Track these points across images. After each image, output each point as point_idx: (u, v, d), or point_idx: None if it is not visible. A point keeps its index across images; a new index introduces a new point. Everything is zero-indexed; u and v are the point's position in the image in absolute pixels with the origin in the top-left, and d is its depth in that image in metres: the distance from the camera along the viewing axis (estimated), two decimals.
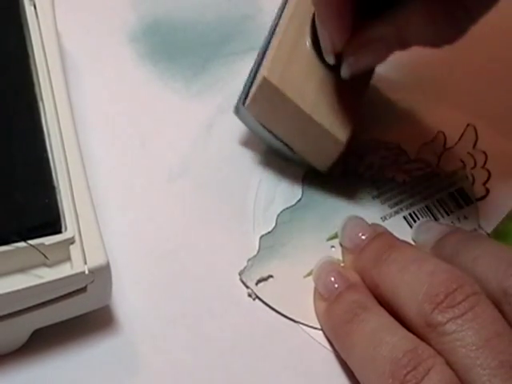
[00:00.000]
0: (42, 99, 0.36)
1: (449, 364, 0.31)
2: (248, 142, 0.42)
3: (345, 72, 0.37)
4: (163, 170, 0.41)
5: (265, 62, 0.38)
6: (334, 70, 0.38)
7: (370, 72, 0.40)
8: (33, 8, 0.39)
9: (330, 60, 0.37)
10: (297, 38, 0.38)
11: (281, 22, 0.39)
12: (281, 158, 0.42)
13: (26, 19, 0.38)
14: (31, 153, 0.34)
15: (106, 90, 0.43)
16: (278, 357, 0.36)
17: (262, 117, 0.39)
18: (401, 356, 0.31)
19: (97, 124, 0.41)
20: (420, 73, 0.45)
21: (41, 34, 0.38)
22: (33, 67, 0.37)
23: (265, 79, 0.37)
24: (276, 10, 0.41)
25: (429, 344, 0.32)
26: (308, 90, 0.38)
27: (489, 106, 0.45)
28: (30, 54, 0.37)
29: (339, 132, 0.38)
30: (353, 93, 0.39)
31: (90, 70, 0.43)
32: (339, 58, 0.37)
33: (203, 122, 0.43)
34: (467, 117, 0.44)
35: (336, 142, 0.38)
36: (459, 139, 0.43)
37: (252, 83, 0.39)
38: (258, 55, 0.40)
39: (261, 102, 0.39)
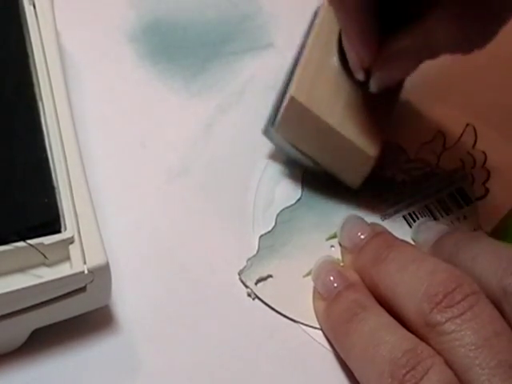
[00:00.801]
0: (41, 99, 0.36)
1: (448, 364, 0.31)
2: (248, 142, 0.42)
3: (374, 87, 0.37)
4: (163, 170, 0.41)
5: (292, 82, 0.38)
6: (361, 85, 0.38)
7: (398, 85, 0.40)
8: (32, 8, 0.39)
9: (360, 76, 0.37)
10: (323, 56, 0.38)
11: (308, 41, 0.39)
12: (281, 158, 0.42)
13: (25, 19, 0.38)
14: (31, 153, 0.34)
15: (106, 90, 0.43)
16: (277, 357, 0.36)
17: (291, 136, 0.40)
18: (400, 356, 0.31)
19: (97, 124, 0.41)
20: (420, 73, 0.45)
21: (40, 33, 0.38)
22: (32, 67, 0.37)
23: (292, 98, 0.37)
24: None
25: (428, 344, 0.32)
26: (336, 107, 0.38)
27: (489, 106, 0.45)
28: (30, 53, 0.37)
29: (369, 147, 0.38)
30: (382, 107, 0.39)
31: (89, 69, 0.43)
32: (368, 73, 0.37)
33: (203, 121, 0.43)
34: (467, 117, 0.44)
35: (366, 158, 0.38)
36: (459, 139, 0.43)
37: (281, 103, 0.39)
38: (286, 75, 0.40)
39: (290, 122, 0.39)
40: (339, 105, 0.38)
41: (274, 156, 0.41)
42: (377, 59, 0.36)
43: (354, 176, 0.40)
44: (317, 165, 0.40)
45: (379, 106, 0.39)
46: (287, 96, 0.38)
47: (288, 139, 0.40)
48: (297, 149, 0.40)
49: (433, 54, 0.35)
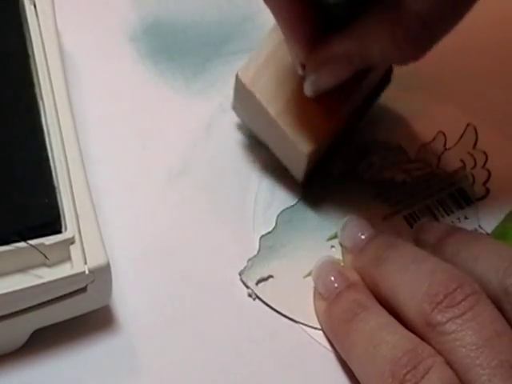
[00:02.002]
0: (41, 99, 0.36)
1: (448, 364, 0.31)
2: (248, 142, 0.42)
3: (307, 90, 0.36)
4: (163, 170, 0.41)
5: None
6: None
7: (352, 86, 0.38)
8: (33, 7, 0.39)
9: (299, 71, 0.36)
10: (278, 45, 0.38)
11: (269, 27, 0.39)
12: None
13: (26, 19, 0.38)
14: (31, 152, 0.34)
15: (106, 90, 0.43)
16: (278, 357, 0.36)
17: (244, 117, 0.40)
18: (400, 355, 0.31)
19: (97, 124, 0.41)
20: (420, 73, 0.45)
21: (41, 33, 0.38)
22: (33, 67, 0.37)
23: (237, 77, 0.37)
24: None
25: (428, 344, 0.32)
26: (279, 97, 0.37)
27: (489, 106, 0.45)
28: (30, 53, 0.37)
29: (303, 143, 0.37)
30: (329, 106, 0.38)
31: (89, 69, 0.43)
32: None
33: (203, 121, 0.43)
34: (467, 117, 0.44)
35: (299, 153, 0.37)
36: (459, 139, 0.43)
37: None
38: None
39: (240, 102, 0.39)
40: (283, 95, 0.37)
41: (274, 156, 0.41)
42: (310, 61, 0.35)
43: (295, 169, 0.39)
44: (269, 150, 0.40)
45: (327, 104, 0.37)
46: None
47: (243, 119, 0.40)
48: (252, 130, 0.40)
49: (366, 63, 0.34)
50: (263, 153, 0.42)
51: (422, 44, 0.32)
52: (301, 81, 0.37)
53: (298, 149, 0.37)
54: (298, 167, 0.39)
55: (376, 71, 0.39)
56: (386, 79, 0.42)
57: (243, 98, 0.38)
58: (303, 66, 0.36)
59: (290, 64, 0.37)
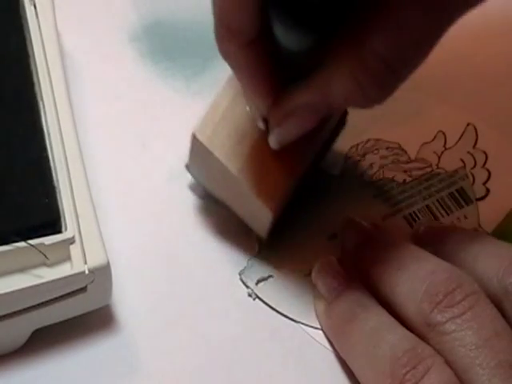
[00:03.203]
0: (42, 99, 0.36)
1: (448, 363, 0.31)
2: None
3: (273, 143, 0.35)
4: (163, 170, 0.41)
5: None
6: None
7: (312, 135, 0.35)
8: (33, 8, 0.39)
9: (260, 125, 0.35)
10: (235, 98, 0.37)
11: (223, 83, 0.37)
12: None
13: (26, 19, 0.38)
14: (31, 152, 0.34)
15: (106, 90, 0.43)
16: (277, 357, 0.36)
17: (200, 177, 0.39)
18: (400, 355, 0.31)
19: (97, 124, 0.41)
20: (420, 73, 0.45)
21: (41, 33, 0.38)
22: (33, 67, 0.37)
23: (194, 136, 0.36)
24: None
25: (428, 343, 0.32)
26: (239, 153, 0.36)
27: (489, 106, 0.45)
28: (30, 53, 0.37)
29: (266, 200, 0.36)
30: (290, 159, 0.36)
31: (90, 69, 0.43)
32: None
33: None
34: (467, 117, 0.44)
35: (263, 210, 0.36)
36: (459, 139, 0.43)
37: None
38: None
39: (196, 162, 0.38)
40: (243, 150, 0.36)
41: None
42: (273, 113, 0.34)
43: (258, 225, 0.38)
44: (228, 208, 0.39)
45: (289, 153, 0.36)
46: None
47: (198, 179, 0.39)
48: (207, 190, 0.39)
49: (331, 109, 0.33)
50: None
51: (386, 86, 0.32)
52: (260, 135, 0.36)
53: (261, 206, 0.36)
54: (262, 224, 0.38)
55: (333, 118, 0.38)
56: (341, 123, 0.40)
57: (200, 157, 0.37)
58: (264, 120, 0.35)
59: (247, 119, 0.36)
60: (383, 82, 0.31)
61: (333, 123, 0.39)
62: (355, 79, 0.31)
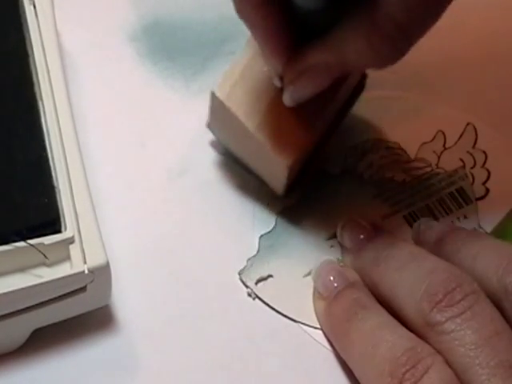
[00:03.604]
0: (41, 99, 0.36)
1: (448, 363, 0.31)
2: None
3: (287, 100, 0.36)
4: (163, 170, 0.41)
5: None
6: None
7: (331, 92, 0.37)
8: (32, 7, 0.39)
9: (277, 82, 0.36)
10: (254, 57, 0.38)
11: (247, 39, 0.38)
12: None
13: (25, 19, 0.38)
14: (31, 152, 0.34)
15: (106, 90, 0.43)
16: (277, 356, 0.36)
17: (220, 134, 0.40)
18: (400, 354, 0.31)
19: (96, 124, 0.41)
20: (420, 73, 0.45)
21: (40, 33, 0.38)
22: (32, 67, 0.37)
23: (213, 94, 0.37)
24: None
25: (428, 343, 0.32)
26: (256, 110, 0.37)
27: (489, 106, 0.45)
28: (30, 53, 0.37)
29: (283, 156, 0.37)
30: (307, 117, 0.37)
31: (89, 69, 0.43)
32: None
33: (203, 121, 0.42)
34: (467, 116, 0.44)
35: (279, 165, 0.37)
36: (459, 139, 0.43)
37: None
38: None
39: (216, 120, 0.39)
40: (261, 108, 0.37)
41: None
42: (288, 72, 0.35)
43: (276, 183, 0.39)
44: (245, 166, 0.40)
45: (306, 113, 0.37)
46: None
47: (219, 137, 0.40)
48: (227, 148, 0.40)
49: (344, 70, 0.34)
50: None
51: (398, 47, 0.32)
52: (278, 93, 0.37)
53: (278, 161, 0.37)
54: (278, 180, 0.39)
55: (351, 79, 0.39)
56: (360, 87, 0.41)
57: (220, 114, 0.38)
58: (281, 78, 0.35)
59: (265, 77, 0.37)
60: (396, 43, 0.32)
61: (350, 86, 0.40)
62: (368, 40, 0.32)
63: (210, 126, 0.40)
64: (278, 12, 0.33)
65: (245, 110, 0.37)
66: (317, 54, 0.34)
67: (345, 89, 0.39)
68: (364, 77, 0.41)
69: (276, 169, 0.38)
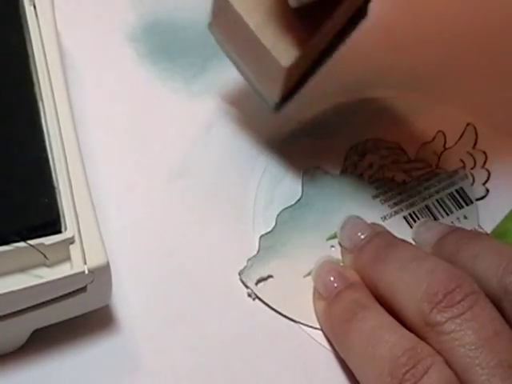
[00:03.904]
0: (41, 99, 0.36)
1: (448, 363, 0.31)
2: (248, 142, 0.42)
3: (291, 0, 0.35)
4: (163, 170, 0.41)
5: None
6: None
7: (332, 4, 0.37)
8: (32, 8, 0.39)
9: None
10: None
11: None
12: (281, 158, 0.42)
13: (25, 19, 0.38)
14: (31, 152, 0.34)
15: (106, 90, 0.43)
16: (277, 357, 0.36)
17: (219, 35, 0.39)
18: (400, 354, 0.31)
19: (96, 124, 0.41)
20: (420, 73, 0.45)
21: (40, 33, 0.38)
22: (32, 67, 0.37)
23: None
24: None
25: (428, 343, 0.32)
26: (258, 8, 0.37)
27: (489, 106, 0.45)
28: (30, 53, 0.37)
29: (282, 55, 0.36)
30: (310, 21, 0.37)
31: (89, 69, 0.43)
32: None
33: (203, 121, 0.43)
34: (467, 117, 0.44)
35: (278, 66, 0.37)
36: (459, 139, 0.43)
37: None
38: None
39: (218, 18, 0.38)
40: (264, 7, 0.37)
41: (274, 156, 0.42)
42: None
43: (271, 89, 0.39)
44: (241, 71, 0.39)
45: (309, 19, 0.37)
46: None
47: (218, 38, 0.40)
48: (226, 52, 0.40)
49: None
50: (263, 152, 0.42)
51: None
52: None
53: (276, 61, 0.37)
54: (274, 85, 0.38)
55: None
56: (362, 11, 0.41)
57: (221, 12, 0.38)
58: None
59: None
60: None
61: (352, 6, 0.40)
62: None
63: (211, 26, 0.40)
64: None
65: (247, 7, 0.37)
66: None
67: (346, 6, 0.39)
68: (367, 1, 0.41)
69: (273, 71, 0.37)
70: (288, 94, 0.39)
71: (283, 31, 0.37)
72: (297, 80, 0.39)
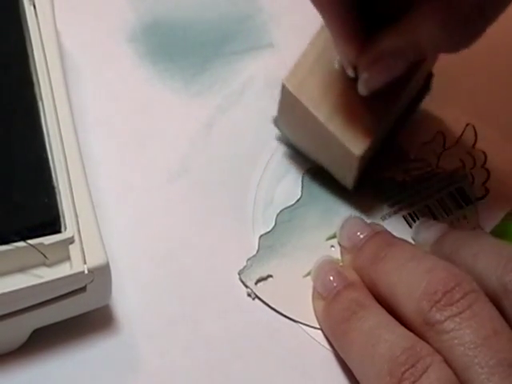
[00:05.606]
0: (41, 99, 0.36)
1: (447, 362, 0.31)
2: (248, 142, 0.42)
3: (362, 89, 0.36)
4: (163, 170, 0.41)
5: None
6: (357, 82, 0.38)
7: (400, 84, 0.38)
8: (32, 8, 0.39)
9: (350, 72, 0.37)
10: (324, 48, 0.38)
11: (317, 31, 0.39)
12: (281, 158, 0.42)
13: (25, 19, 0.38)
14: (31, 153, 0.34)
15: (106, 90, 0.43)
16: (277, 356, 0.36)
17: (288, 129, 0.40)
18: (399, 354, 0.31)
19: (96, 124, 0.41)
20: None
21: (40, 33, 0.38)
22: (32, 67, 0.37)
23: (283, 86, 0.38)
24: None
25: (427, 342, 0.32)
26: (327, 101, 0.38)
27: (489, 106, 0.45)
28: (30, 53, 0.37)
29: (354, 144, 0.37)
30: (377, 107, 0.38)
31: (89, 69, 0.43)
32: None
33: (203, 122, 0.43)
34: (467, 117, 0.44)
35: (351, 156, 0.38)
36: (459, 139, 0.43)
37: None
38: None
39: (284, 113, 0.39)
40: (331, 99, 0.38)
41: (274, 156, 0.42)
42: (362, 60, 0.35)
43: (345, 175, 0.40)
44: (314, 160, 0.40)
45: (375, 105, 0.38)
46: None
47: (286, 133, 0.40)
48: (294, 143, 0.40)
49: (419, 54, 0.34)
50: (263, 153, 0.42)
51: (474, 27, 0.32)
52: (347, 84, 0.37)
53: (348, 151, 0.37)
54: (348, 171, 0.39)
55: (419, 74, 0.39)
56: (426, 86, 0.42)
57: (288, 106, 0.39)
58: (354, 67, 0.36)
59: (334, 69, 0.38)
60: (471, 23, 0.32)
61: (417, 84, 0.41)
62: (442, 22, 0.32)
63: (276, 121, 0.41)
64: (350, 0, 0.33)
65: (315, 102, 0.37)
66: (390, 40, 0.34)
67: (412, 85, 0.39)
68: (430, 76, 0.42)
69: (346, 160, 0.38)
70: (362, 175, 0.40)
71: (353, 119, 0.37)
72: (367, 162, 0.40)
